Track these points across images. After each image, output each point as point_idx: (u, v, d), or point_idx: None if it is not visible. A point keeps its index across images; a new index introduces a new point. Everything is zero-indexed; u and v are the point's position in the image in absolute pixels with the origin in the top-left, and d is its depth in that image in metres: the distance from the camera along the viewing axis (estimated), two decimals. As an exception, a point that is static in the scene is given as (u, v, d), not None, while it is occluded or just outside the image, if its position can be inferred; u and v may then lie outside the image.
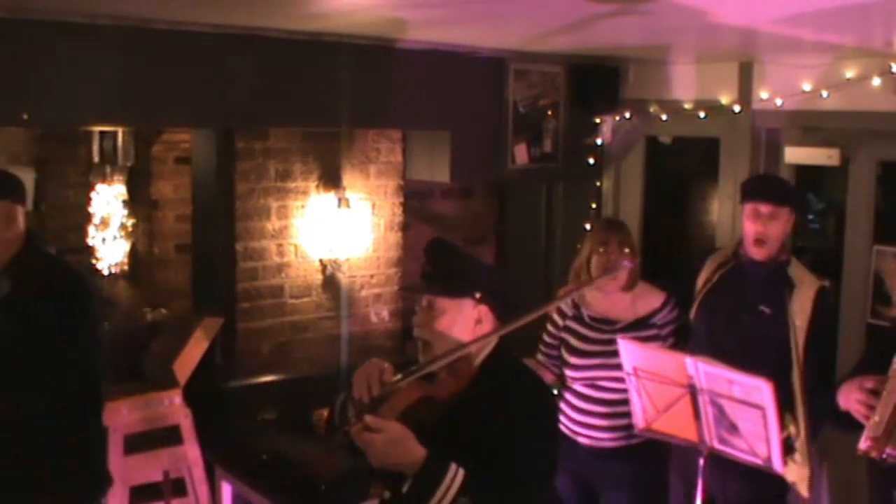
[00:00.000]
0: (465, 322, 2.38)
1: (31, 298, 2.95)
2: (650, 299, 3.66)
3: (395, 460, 2.19)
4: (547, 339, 3.79)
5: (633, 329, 3.56)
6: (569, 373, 3.68)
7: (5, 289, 2.96)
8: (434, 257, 2.44)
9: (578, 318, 3.70)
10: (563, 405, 3.72)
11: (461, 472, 2.19)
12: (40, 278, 3.01)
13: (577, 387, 3.66)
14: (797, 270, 3.44)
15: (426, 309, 2.40)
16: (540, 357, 3.82)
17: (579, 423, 3.64)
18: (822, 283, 3.42)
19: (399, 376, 2.32)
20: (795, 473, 3.21)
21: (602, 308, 3.67)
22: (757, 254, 3.44)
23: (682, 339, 3.64)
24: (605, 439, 3.60)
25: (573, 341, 3.68)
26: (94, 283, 3.25)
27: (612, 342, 3.37)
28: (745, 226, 3.47)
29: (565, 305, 3.73)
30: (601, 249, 3.61)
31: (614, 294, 3.65)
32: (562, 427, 3.70)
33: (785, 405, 3.11)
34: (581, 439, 3.64)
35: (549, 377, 3.75)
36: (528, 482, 2.29)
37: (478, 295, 2.39)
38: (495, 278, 2.62)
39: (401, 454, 2.18)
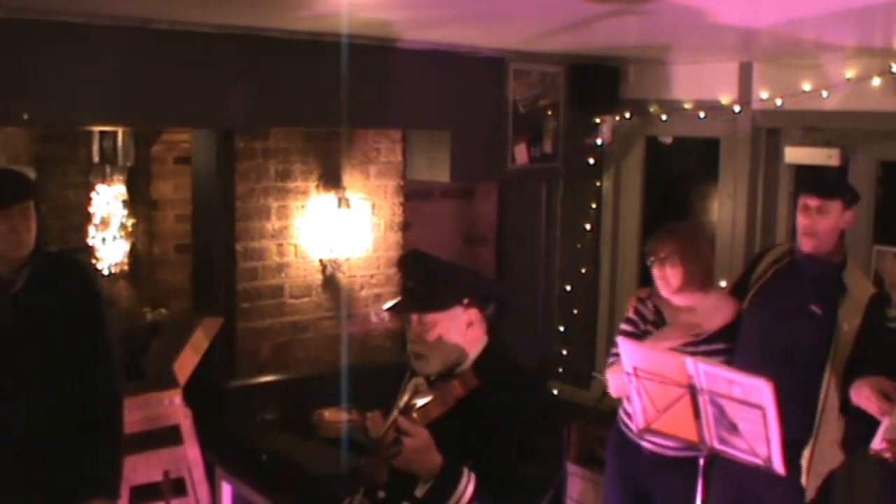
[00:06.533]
0: (458, 327, 2.42)
1: (45, 287, 3.03)
2: (726, 309, 3.56)
3: (417, 466, 2.25)
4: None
5: (711, 341, 3.48)
6: None
7: (22, 280, 3.02)
8: (414, 273, 2.44)
9: (659, 326, 3.57)
10: (629, 409, 3.65)
11: (473, 476, 2.24)
12: (51, 269, 3.08)
13: None
14: (852, 274, 3.37)
15: (417, 323, 2.42)
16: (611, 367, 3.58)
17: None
18: (876, 289, 3.38)
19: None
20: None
21: (682, 318, 3.55)
22: (806, 245, 3.37)
23: None
24: (668, 447, 3.51)
25: None
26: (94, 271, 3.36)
27: (692, 354, 3.21)
28: (797, 219, 3.42)
29: (646, 310, 3.62)
30: (651, 259, 3.52)
31: (692, 302, 3.53)
32: (626, 431, 3.65)
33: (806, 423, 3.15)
34: (645, 444, 3.57)
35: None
36: (529, 482, 2.31)
37: (465, 301, 2.43)
38: (477, 281, 2.64)
39: (424, 460, 2.24)
